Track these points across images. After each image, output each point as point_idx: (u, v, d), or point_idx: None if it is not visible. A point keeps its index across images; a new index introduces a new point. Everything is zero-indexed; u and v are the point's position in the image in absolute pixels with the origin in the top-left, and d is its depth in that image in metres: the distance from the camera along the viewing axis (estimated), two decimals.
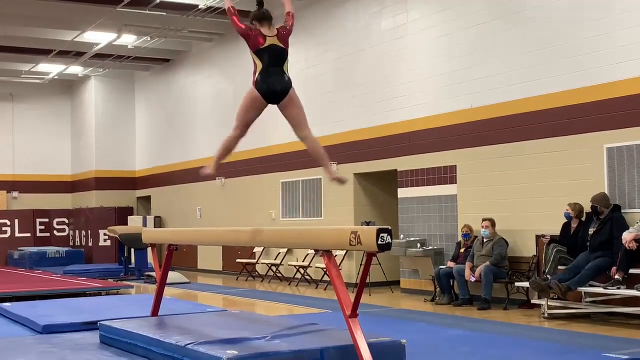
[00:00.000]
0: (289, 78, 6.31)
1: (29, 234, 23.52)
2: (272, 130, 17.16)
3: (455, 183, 12.32)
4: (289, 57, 6.32)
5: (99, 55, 20.46)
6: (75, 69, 22.45)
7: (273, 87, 6.28)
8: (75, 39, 18.61)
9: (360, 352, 5.46)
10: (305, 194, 15.99)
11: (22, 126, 24.55)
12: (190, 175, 20.66)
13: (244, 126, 6.59)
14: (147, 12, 16.43)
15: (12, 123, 24.46)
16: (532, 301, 10.38)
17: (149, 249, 9.61)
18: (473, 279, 11.01)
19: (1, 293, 12.53)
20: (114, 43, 18.73)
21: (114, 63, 21.51)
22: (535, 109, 10.95)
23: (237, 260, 17.49)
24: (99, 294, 13.26)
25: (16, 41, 19.13)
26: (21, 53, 20.31)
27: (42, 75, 23.05)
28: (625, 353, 6.65)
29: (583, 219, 10.01)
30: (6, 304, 10.60)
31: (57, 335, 8.20)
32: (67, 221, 24.40)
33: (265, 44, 6.28)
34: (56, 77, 23.13)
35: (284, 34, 6.31)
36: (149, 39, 18.54)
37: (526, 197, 11.07)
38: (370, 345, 5.54)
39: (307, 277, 15.45)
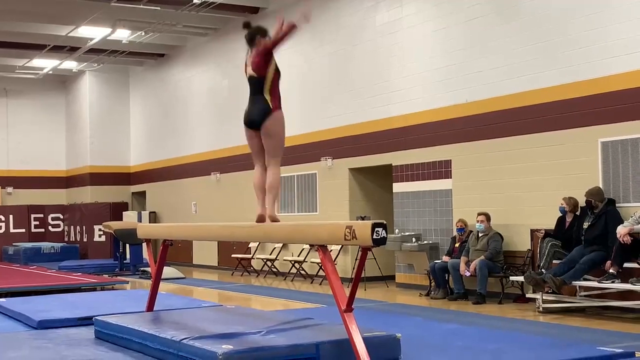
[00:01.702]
0: (265, 107, 6.11)
1: (23, 230, 23.50)
2: None
3: (450, 178, 12.33)
4: (270, 76, 6.15)
5: (93, 51, 20.40)
6: (70, 64, 22.38)
7: (250, 116, 6.20)
8: (69, 34, 18.56)
9: (355, 347, 5.47)
10: (300, 189, 15.99)
11: (16, 121, 24.49)
12: (185, 170, 20.66)
13: (254, 157, 6.40)
14: (141, 6, 16.40)
15: (6, 118, 24.41)
16: (527, 295, 10.40)
17: (144, 245, 9.59)
18: (468, 274, 11.03)
19: None
20: (108, 38, 18.69)
21: (109, 58, 21.45)
22: (530, 104, 10.96)
23: (233, 255, 17.49)
24: (94, 290, 13.26)
25: (10, 36, 19.07)
26: (15, 48, 20.25)
27: (37, 71, 22.99)
28: (619, 346, 6.66)
29: (578, 213, 10.02)
30: (1, 300, 10.59)
31: (52, 330, 8.20)
32: (61, 217, 24.36)
33: (247, 75, 6.25)
34: (50, 72, 23.07)
35: (256, 61, 6.17)
36: (143, 33, 18.50)
37: (521, 192, 11.08)
38: (365, 339, 5.55)
39: (303, 272, 15.45)
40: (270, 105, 6.08)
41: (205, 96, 19.89)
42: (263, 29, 6.32)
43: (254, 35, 6.24)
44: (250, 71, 6.21)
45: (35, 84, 24.34)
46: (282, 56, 17.64)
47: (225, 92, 18.74)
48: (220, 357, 5.49)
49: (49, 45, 19.86)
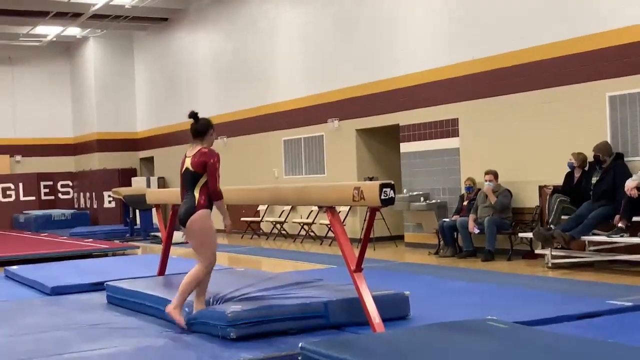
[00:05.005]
0: (189, 207, 5.93)
1: (33, 198, 23.61)
2: (274, 88, 17.09)
3: (458, 136, 12.29)
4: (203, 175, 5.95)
5: (97, 16, 20.29)
6: (73, 31, 22.30)
7: (179, 215, 6.03)
8: (72, 0, 18.44)
9: (365, 305, 5.53)
10: (308, 151, 15.98)
11: (22, 90, 24.47)
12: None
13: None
14: None
15: (12, 87, 24.38)
16: (536, 251, 10.43)
17: (154, 210, 9.64)
18: (477, 231, 11.05)
19: (9, 256, 12.64)
20: (110, 3, 18.58)
21: (112, 23, 21.34)
22: (537, 59, 10.87)
23: (242, 218, 17.54)
24: (106, 255, 13.35)
25: (13, 4, 18.97)
26: (19, 16, 20.15)
27: (40, 38, 22.91)
28: (628, 300, 6.70)
29: (586, 168, 9.99)
30: (14, 267, 10.68)
31: (65, 296, 8.30)
32: (71, 184, 24.45)
33: (182, 169, 6.07)
34: (54, 39, 22.99)
35: (198, 162, 5.94)
36: None
37: (529, 148, 11.05)
38: (374, 298, 5.60)
39: (312, 234, 15.51)
40: (197, 204, 5.91)
41: (210, 60, 19.79)
42: (212, 122, 6.15)
43: (207, 127, 6.10)
44: (187, 164, 6.02)
45: (39, 51, 24.27)
46: (286, 18, 17.47)
47: (230, 56, 18.64)
48: (229, 316, 5.55)
49: (52, 11, 19.75)
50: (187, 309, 6.10)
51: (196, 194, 5.94)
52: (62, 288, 8.65)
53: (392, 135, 13.99)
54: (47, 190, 24.03)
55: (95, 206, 22.87)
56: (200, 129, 6.08)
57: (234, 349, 5.32)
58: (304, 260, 12.10)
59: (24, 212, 22.77)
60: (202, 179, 5.95)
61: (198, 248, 6.02)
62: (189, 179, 6.02)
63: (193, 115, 6.11)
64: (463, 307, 6.62)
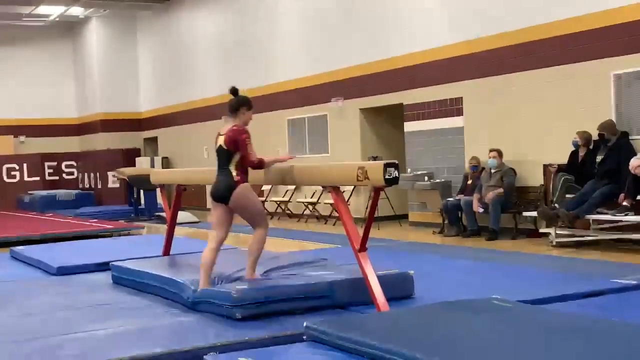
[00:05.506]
0: (229, 182, 5.99)
1: (38, 178, 23.60)
2: (277, 68, 17.04)
3: (462, 115, 12.26)
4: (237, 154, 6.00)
5: None
6: (76, 10, 22.22)
7: (216, 191, 6.09)
8: None
9: (370, 285, 5.54)
10: (312, 130, 15.95)
11: (25, 70, 24.41)
12: (195, 115, 20.62)
13: (213, 226, 6.28)
14: None
15: (15, 67, 24.33)
16: (540, 230, 10.43)
17: (158, 190, 9.66)
18: (481, 210, 11.05)
19: (14, 237, 12.68)
20: None
21: (115, 3, 21.25)
22: (542, 37, 10.82)
23: None
24: (111, 236, 13.38)
25: None
26: None
27: (43, 18, 22.83)
28: (634, 278, 6.69)
29: (591, 147, 9.97)
30: (20, 248, 10.72)
31: (70, 276, 8.32)
32: (75, 164, 24.46)
33: (216, 146, 6.12)
34: (57, 19, 22.91)
35: (230, 136, 5.98)
36: None
37: (533, 127, 11.02)
38: (379, 277, 5.60)
39: (316, 214, 15.53)
40: (235, 180, 5.99)
41: (213, 39, 19.72)
42: (249, 100, 6.15)
43: (240, 105, 6.10)
44: (221, 141, 6.06)
45: (42, 31, 24.20)
46: None
47: (233, 35, 18.57)
48: (235, 295, 5.56)
49: None
50: (192, 287, 6.12)
51: (232, 170, 6.03)
52: (68, 268, 8.67)
53: (396, 115, 13.95)
54: (51, 170, 24.02)
55: (99, 186, 22.87)
56: (234, 105, 6.12)
57: (239, 328, 5.33)
58: (309, 240, 12.11)
59: (28, 192, 22.78)
60: (235, 156, 6.01)
61: (251, 218, 6.12)
62: (223, 156, 6.09)
63: (233, 90, 6.17)
64: (467, 286, 6.62)
